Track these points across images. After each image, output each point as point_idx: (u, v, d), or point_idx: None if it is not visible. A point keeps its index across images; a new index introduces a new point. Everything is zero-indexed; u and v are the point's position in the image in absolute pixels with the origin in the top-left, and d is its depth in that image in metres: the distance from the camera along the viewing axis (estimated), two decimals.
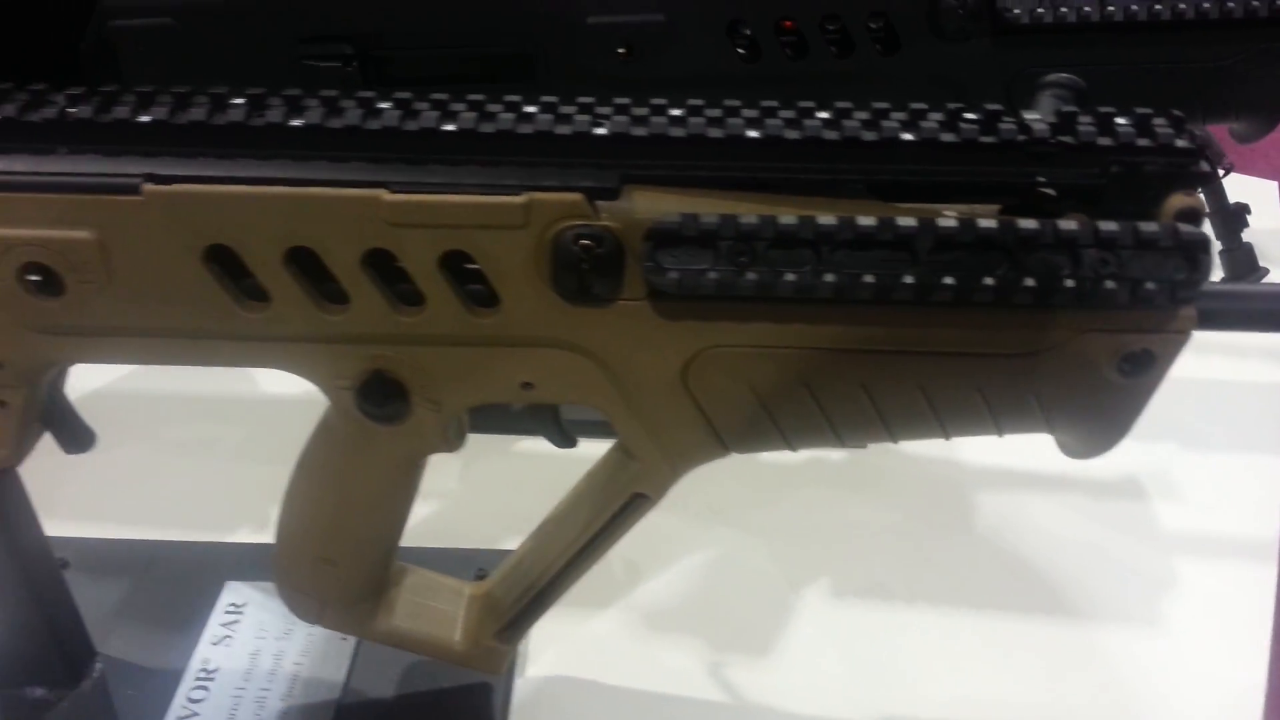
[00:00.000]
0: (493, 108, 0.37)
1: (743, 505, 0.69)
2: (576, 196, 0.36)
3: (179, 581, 0.62)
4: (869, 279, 0.35)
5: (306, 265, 0.38)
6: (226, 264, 0.38)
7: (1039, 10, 0.61)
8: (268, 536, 0.68)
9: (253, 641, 0.58)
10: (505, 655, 0.51)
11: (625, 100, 0.37)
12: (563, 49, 0.65)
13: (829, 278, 0.35)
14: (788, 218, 0.35)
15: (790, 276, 0.35)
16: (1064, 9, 0.61)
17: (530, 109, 0.37)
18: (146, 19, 0.66)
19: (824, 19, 0.63)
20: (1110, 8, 0.61)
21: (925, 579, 0.64)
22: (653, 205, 0.36)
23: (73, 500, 0.65)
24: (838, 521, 0.68)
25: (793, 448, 0.41)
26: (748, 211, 0.35)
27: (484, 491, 0.71)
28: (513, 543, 0.65)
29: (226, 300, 0.38)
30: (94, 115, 0.36)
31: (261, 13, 0.66)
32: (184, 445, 0.76)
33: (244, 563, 0.63)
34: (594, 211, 0.36)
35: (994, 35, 0.63)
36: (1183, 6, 0.60)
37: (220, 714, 0.54)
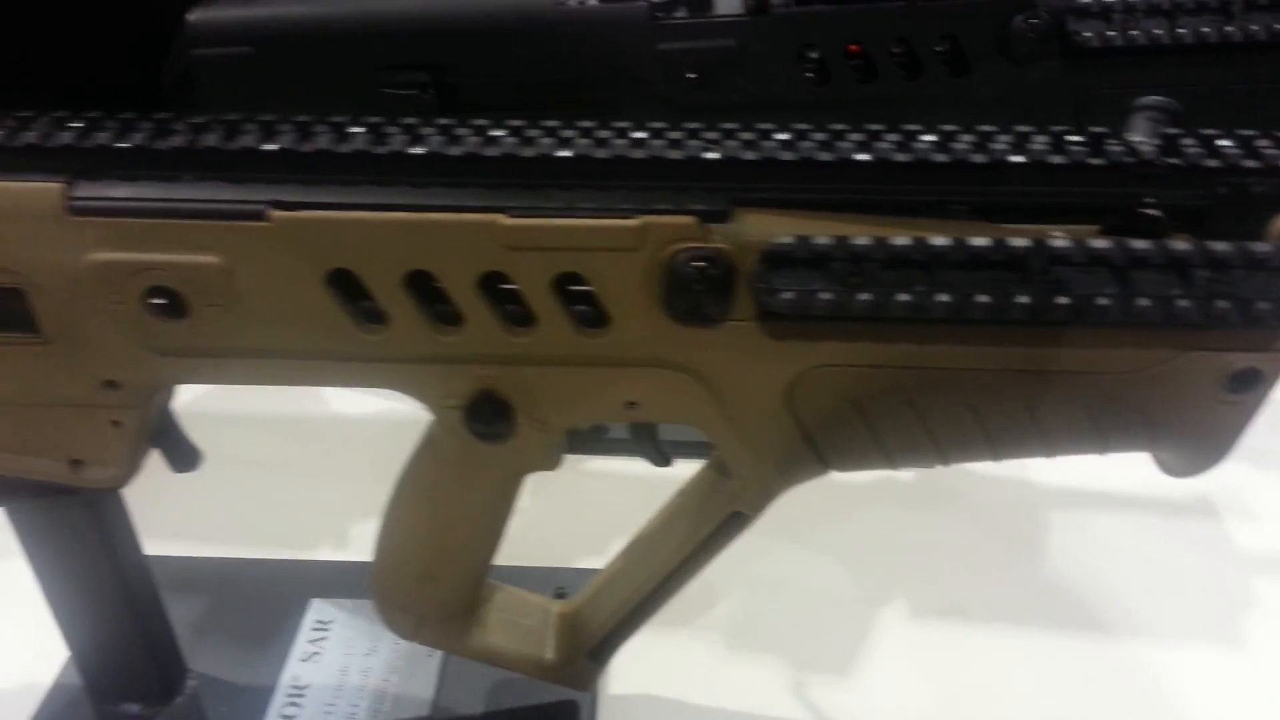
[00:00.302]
0: (604, 134, 0.38)
1: (813, 525, 0.69)
2: (689, 219, 0.37)
3: (263, 599, 0.63)
4: (983, 299, 0.35)
5: (421, 288, 0.39)
6: (346, 287, 0.39)
7: (1110, 33, 0.62)
8: (347, 554, 0.69)
9: (340, 658, 0.59)
10: (596, 673, 0.52)
11: (732, 125, 0.38)
12: (633, 75, 0.67)
13: (942, 298, 0.35)
14: (900, 239, 0.35)
15: (903, 297, 0.36)
16: (1135, 31, 0.62)
17: (641, 134, 0.38)
18: (228, 48, 0.68)
19: (892, 42, 0.64)
20: (1181, 30, 0.61)
21: (1000, 598, 0.64)
22: (763, 227, 0.37)
23: (152, 519, 0.66)
24: (909, 541, 0.69)
25: (894, 466, 0.42)
26: (856, 233, 0.36)
27: (555, 511, 0.72)
28: (585, 561, 0.66)
29: (346, 322, 0.39)
30: (221, 143, 0.38)
31: (340, 43, 0.68)
32: (259, 465, 0.78)
33: (327, 580, 0.64)
34: (706, 234, 0.37)
35: (1063, 58, 0.63)
36: (1254, 29, 0.61)
37: None
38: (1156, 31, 0.61)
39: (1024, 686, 0.59)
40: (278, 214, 0.37)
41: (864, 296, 0.36)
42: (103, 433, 0.44)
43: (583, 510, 0.71)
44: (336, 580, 0.64)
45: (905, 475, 0.74)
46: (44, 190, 0.38)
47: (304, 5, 0.69)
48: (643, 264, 0.37)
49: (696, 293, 0.37)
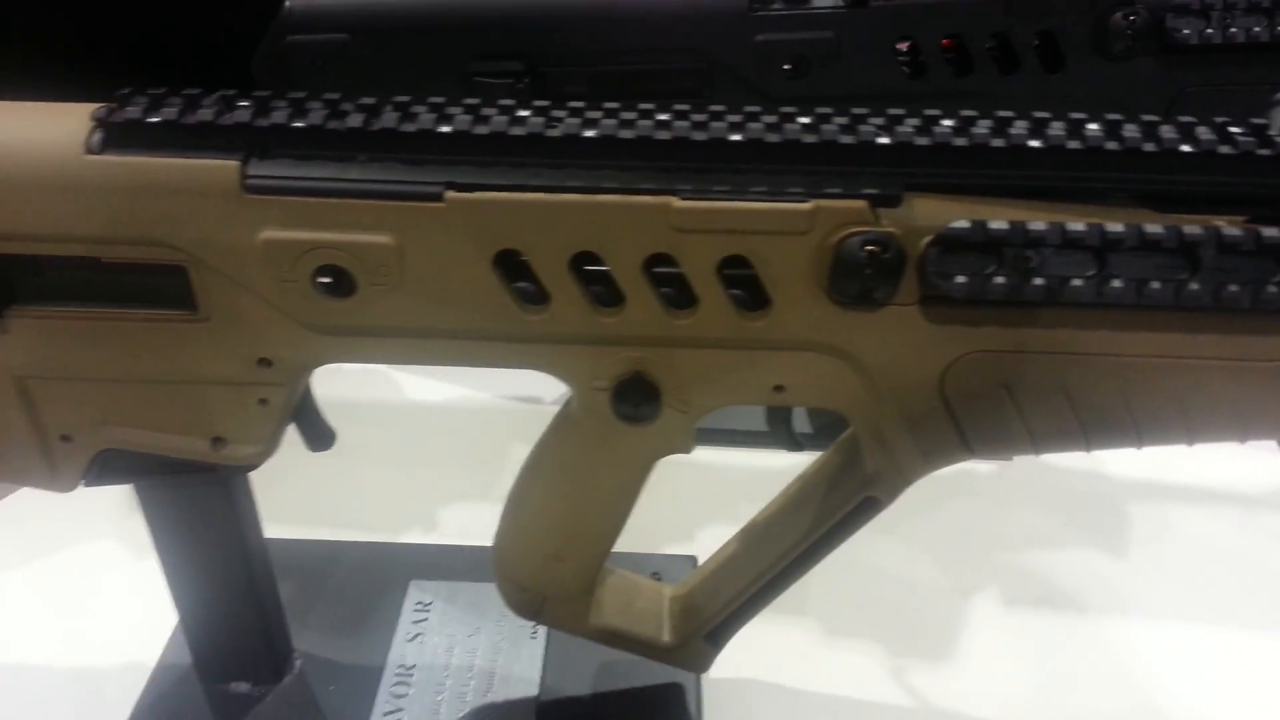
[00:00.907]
0: (769, 118, 0.39)
1: (900, 515, 0.69)
2: (861, 204, 0.37)
3: (360, 581, 0.63)
4: (1154, 285, 0.36)
5: (583, 269, 0.39)
6: (510, 268, 0.39)
7: (1209, 30, 0.62)
8: (436, 538, 0.70)
9: (444, 639, 0.59)
10: (713, 656, 0.52)
11: (899, 111, 0.39)
12: (729, 66, 0.67)
13: (1115, 284, 0.36)
14: (1075, 224, 0.36)
15: (1076, 282, 0.36)
16: (1234, 29, 0.62)
17: (806, 120, 0.38)
18: (324, 34, 0.68)
19: (988, 37, 0.65)
20: None
21: (1084, 587, 0.65)
22: (934, 212, 0.37)
23: None
24: (995, 531, 0.69)
25: (1038, 452, 0.42)
26: (1028, 218, 0.36)
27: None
28: (675, 547, 0.67)
29: (509, 303, 0.40)
30: (397, 125, 0.38)
31: (435, 31, 0.68)
32: (342, 451, 0.78)
33: (422, 563, 0.64)
34: (876, 218, 0.37)
35: (1159, 55, 0.64)
36: None
37: (425, 709, 0.55)
38: (1256, 29, 0.62)
39: (1109, 671, 0.60)
40: (453, 195, 0.38)
41: (1037, 281, 0.36)
42: (249, 411, 0.44)
43: (667, 497, 0.72)
44: (432, 562, 0.64)
45: (984, 467, 0.74)
46: (220, 168, 0.38)
47: None
48: (811, 247, 0.38)
49: (865, 276, 0.37)
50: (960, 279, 0.37)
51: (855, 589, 0.64)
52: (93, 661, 0.61)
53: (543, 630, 0.60)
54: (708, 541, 0.62)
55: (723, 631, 0.52)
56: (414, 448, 0.78)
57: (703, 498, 0.71)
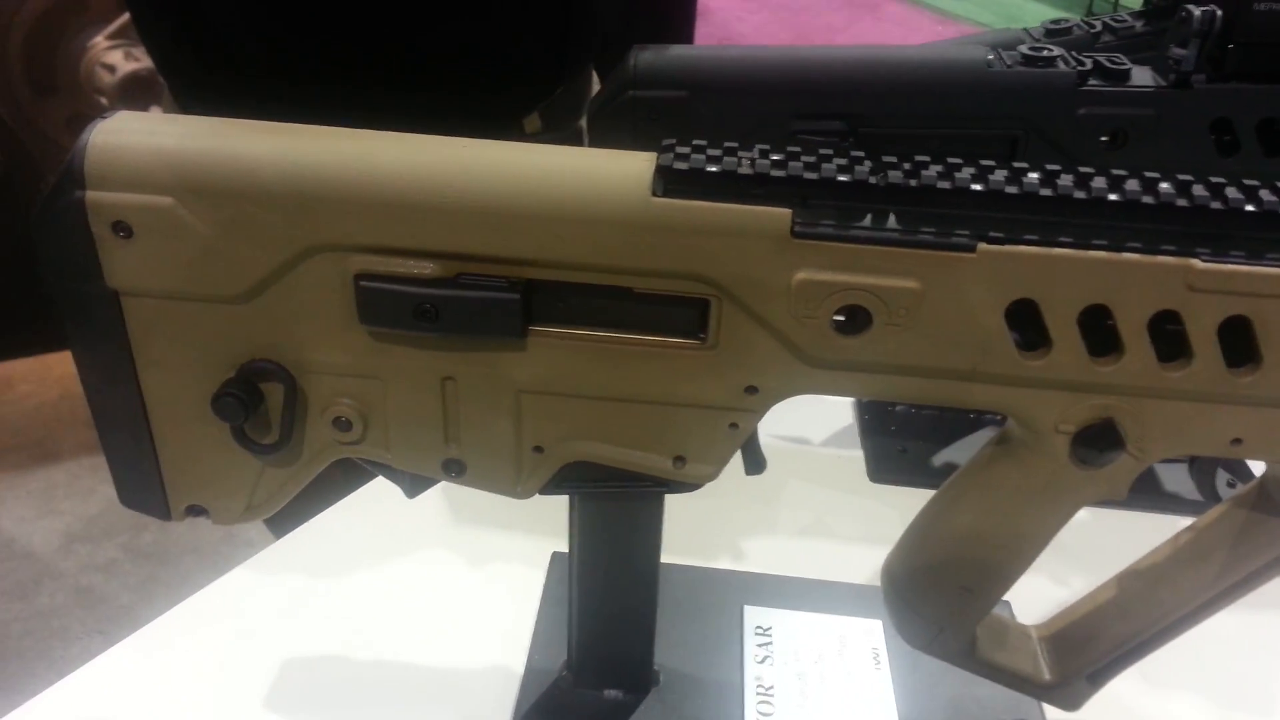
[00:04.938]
0: (1270, 195, 0.42)
1: None
2: None
3: (698, 602, 0.67)
4: None
5: (1083, 320, 0.43)
6: (1017, 315, 0.43)
7: None
8: (745, 566, 0.73)
9: (792, 663, 0.62)
10: (1089, 695, 0.55)
11: None
12: (1048, 136, 0.71)
13: None
14: None
15: None
16: None
17: None
18: (666, 90, 0.73)
19: None
20: None
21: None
22: None
23: None
24: None
25: None
26: None
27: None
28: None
29: (1009, 348, 0.44)
30: (935, 182, 0.42)
31: (763, 91, 0.73)
32: None
33: (750, 588, 0.68)
34: None
35: None
36: None
37: None
38: None
39: None
40: (985, 247, 0.42)
41: None
42: (719, 433, 0.48)
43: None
44: (758, 588, 0.68)
45: None
46: (774, 214, 0.42)
47: (734, 53, 0.75)
48: None
49: None
50: None
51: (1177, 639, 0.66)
52: (455, 665, 0.64)
53: (885, 661, 0.63)
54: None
55: (1105, 673, 0.54)
56: None
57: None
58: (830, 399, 0.75)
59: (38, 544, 2.08)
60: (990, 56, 0.72)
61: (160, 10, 0.89)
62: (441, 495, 0.77)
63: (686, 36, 1.26)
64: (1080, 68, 0.70)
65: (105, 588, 1.95)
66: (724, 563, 0.73)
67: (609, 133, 0.77)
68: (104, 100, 2.09)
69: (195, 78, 0.92)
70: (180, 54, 0.91)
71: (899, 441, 0.82)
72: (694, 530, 0.75)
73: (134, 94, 2.08)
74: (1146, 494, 0.78)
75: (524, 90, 0.97)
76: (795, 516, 0.78)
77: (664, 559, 0.69)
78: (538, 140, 0.94)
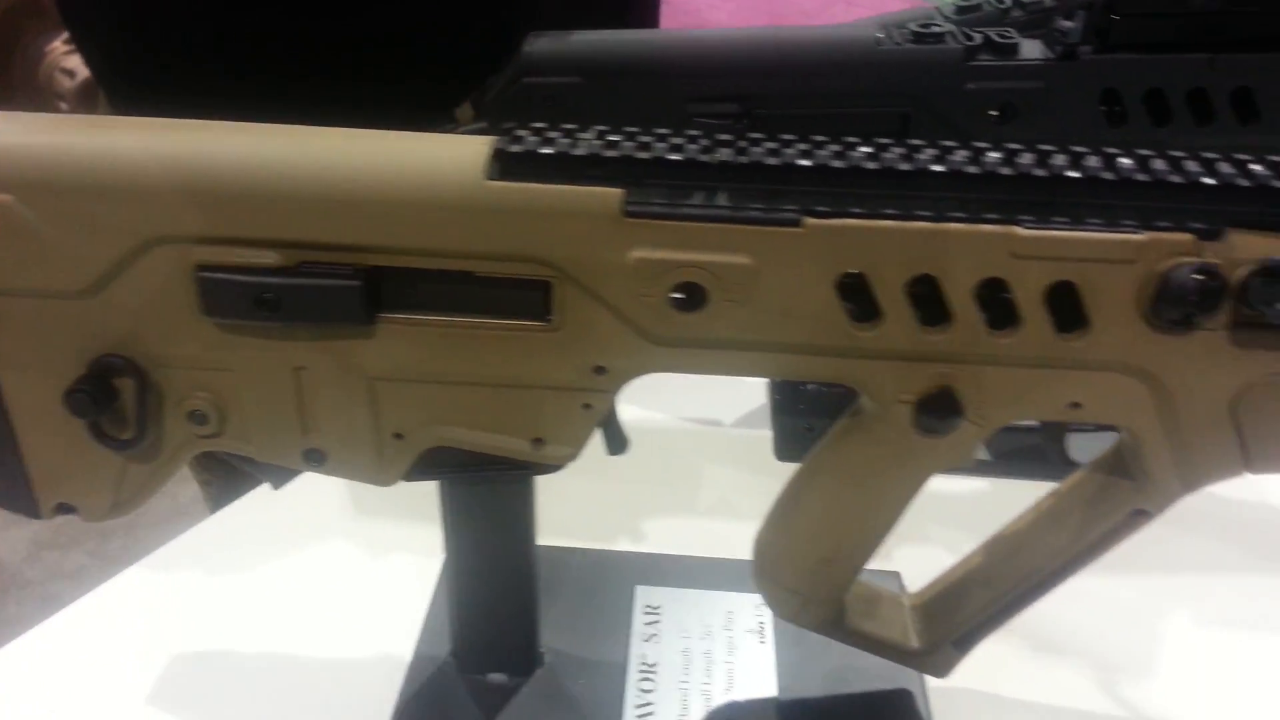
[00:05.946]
0: (1095, 158, 0.43)
1: None
2: (1188, 237, 0.41)
3: (591, 584, 0.67)
4: None
5: (913, 290, 0.44)
6: (848, 288, 0.44)
7: None
8: (645, 547, 0.73)
9: (678, 640, 0.63)
10: (957, 661, 0.56)
11: (1214, 155, 0.43)
12: (937, 111, 0.72)
13: None
14: None
15: None
16: None
17: (1129, 160, 0.43)
18: (560, 77, 0.73)
19: (1189, 90, 0.69)
20: None
21: (1267, 612, 0.68)
22: (1251, 246, 0.41)
23: None
24: (1175, 558, 0.72)
25: None
26: None
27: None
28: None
29: (842, 320, 0.44)
30: (763, 159, 0.43)
31: (658, 75, 0.73)
32: None
33: (646, 569, 0.68)
34: (1200, 250, 0.41)
35: None
36: None
37: (673, 704, 0.59)
38: None
39: None
40: (811, 221, 0.42)
41: None
42: (573, 414, 0.48)
43: None
44: (652, 569, 0.68)
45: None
46: (605, 194, 0.43)
47: (630, 37, 0.75)
48: (1137, 275, 0.42)
49: (1190, 303, 0.41)
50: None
51: (1058, 607, 0.67)
52: (345, 654, 0.65)
53: (770, 635, 0.63)
54: None
55: (970, 638, 0.55)
56: (612, 462, 0.82)
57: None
58: (745, 380, 0.76)
59: (4, 553, 2.08)
60: (880, 35, 0.72)
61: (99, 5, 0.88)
62: (344, 487, 0.77)
63: (650, 24, 1.26)
64: (969, 43, 0.70)
65: (73, 595, 1.94)
66: (624, 545, 0.73)
67: (503, 122, 0.76)
68: (64, 105, 2.07)
69: (137, 75, 0.91)
70: (121, 45, 0.90)
71: (806, 420, 0.83)
72: (595, 514, 0.75)
73: (94, 98, 2.06)
74: (1055, 464, 0.79)
75: (457, 79, 0.96)
76: (699, 497, 0.78)
77: (564, 542, 0.70)
78: (471, 132, 0.94)
